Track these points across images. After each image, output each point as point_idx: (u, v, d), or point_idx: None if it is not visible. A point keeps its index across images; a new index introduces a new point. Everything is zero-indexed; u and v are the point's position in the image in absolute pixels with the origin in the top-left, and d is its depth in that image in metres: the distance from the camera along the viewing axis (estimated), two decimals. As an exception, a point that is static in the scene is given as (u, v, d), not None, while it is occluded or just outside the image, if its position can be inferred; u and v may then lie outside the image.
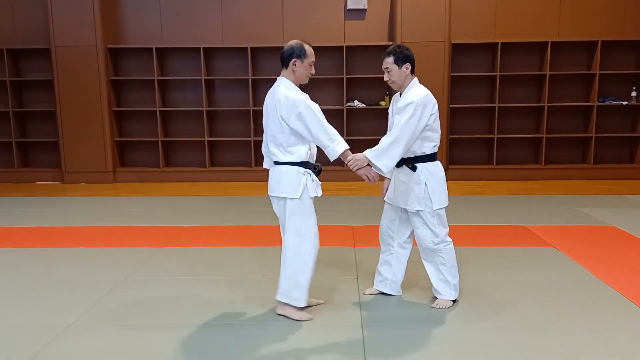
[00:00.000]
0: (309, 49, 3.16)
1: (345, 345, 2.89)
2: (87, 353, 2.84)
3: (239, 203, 6.69)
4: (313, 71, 3.24)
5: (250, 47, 7.99)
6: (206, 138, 8.25)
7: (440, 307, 3.37)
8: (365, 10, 8.04)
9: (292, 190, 3.10)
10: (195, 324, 3.18)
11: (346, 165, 3.21)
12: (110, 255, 4.52)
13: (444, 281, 3.39)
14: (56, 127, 8.12)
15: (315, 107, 3.05)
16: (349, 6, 7.99)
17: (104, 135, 8.08)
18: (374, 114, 8.25)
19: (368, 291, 3.63)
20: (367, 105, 8.17)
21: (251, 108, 8.14)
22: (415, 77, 3.33)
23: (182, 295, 3.64)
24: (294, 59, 3.13)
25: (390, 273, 3.53)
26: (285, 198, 3.12)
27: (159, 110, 8.20)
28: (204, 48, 8.01)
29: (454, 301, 3.43)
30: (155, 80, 8.09)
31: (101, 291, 3.69)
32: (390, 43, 7.91)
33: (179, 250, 4.66)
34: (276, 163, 3.17)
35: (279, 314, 3.26)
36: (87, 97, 7.96)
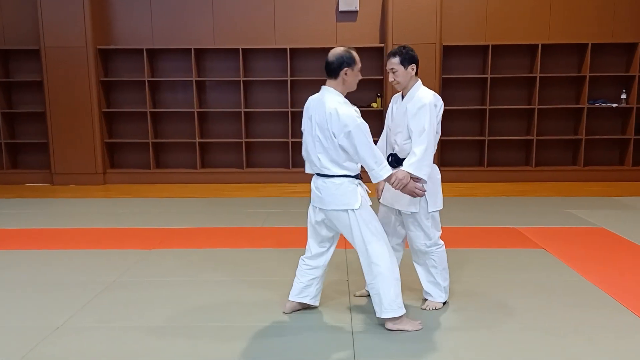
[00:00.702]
0: (356, 55, 3.09)
1: (335, 349, 2.88)
2: (77, 355, 2.81)
3: (230, 204, 6.67)
4: (360, 77, 3.15)
5: (242, 49, 7.98)
6: (197, 139, 8.22)
7: (430, 308, 3.38)
8: (356, 12, 8.05)
9: (351, 201, 3.00)
10: (184, 326, 3.16)
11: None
12: (100, 257, 4.49)
13: (435, 283, 3.40)
14: (46, 128, 8.06)
15: (365, 127, 2.95)
16: (341, 8, 8.00)
17: (94, 136, 8.03)
18: (365, 116, 8.21)
19: (359, 293, 3.63)
20: (358, 107, 8.12)
21: (242, 109, 8.12)
22: (419, 79, 3.33)
23: (172, 297, 3.62)
24: (345, 69, 3.03)
25: None
26: (347, 210, 3.01)
27: (150, 112, 8.16)
28: (195, 49, 7.98)
29: (444, 303, 3.43)
30: (146, 81, 8.05)
31: (91, 293, 3.66)
32: (382, 45, 7.92)
33: (169, 252, 4.64)
34: (327, 176, 3.04)
35: (389, 329, 3.07)
36: (77, 98, 7.91)
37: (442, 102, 3.30)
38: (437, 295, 3.40)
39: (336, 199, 3.03)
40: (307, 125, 3.11)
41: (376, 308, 3.08)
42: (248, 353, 2.83)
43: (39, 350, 2.86)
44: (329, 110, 2.96)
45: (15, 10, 8.08)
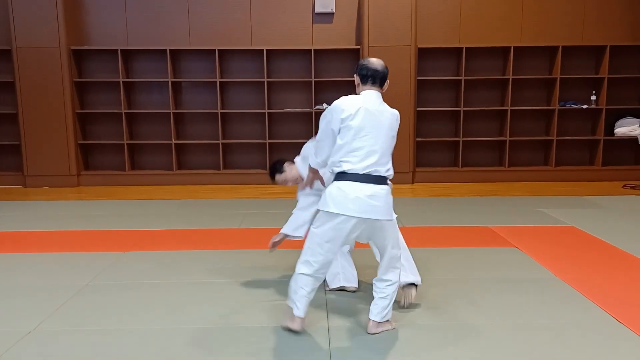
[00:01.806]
0: None
1: (312, 347, 2.91)
2: (48, 360, 2.79)
3: (207, 206, 6.64)
4: None
5: (218, 49, 7.95)
6: (173, 141, 8.17)
7: (411, 299, 3.38)
8: (332, 14, 8.09)
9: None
10: (159, 329, 3.15)
11: None
12: (73, 260, 4.43)
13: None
14: (18, 129, 7.92)
15: None
16: (317, 9, 8.03)
17: (68, 138, 7.92)
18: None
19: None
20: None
21: (219, 110, 8.10)
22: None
23: (146, 300, 3.60)
24: (387, 80, 3.04)
25: (339, 267, 3.69)
26: (391, 219, 2.97)
27: (125, 113, 8.08)
28: (170, 50, 7.93)
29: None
30: (121, 82, 7.97)
31: (63, 297, 3.62)
32: (358, 47, 7.98)
33: (144, 254, 4.60)
34: (383, 182, 2.91)
35: (375, 333, 3.04)
36: (50, 99, 7.79)
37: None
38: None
39: (389, 206, 2.92)
40: (368, 127, 2.85)
41: (377, 311, 3.01)
42: (222, 356, 2.84)
43: (10, 355, 2.82)
44: (393, 114, 3.02)
45: (-14, 10, 7.93)
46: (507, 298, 3.59)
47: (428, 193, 7.44)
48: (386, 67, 3.02)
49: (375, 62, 2.99)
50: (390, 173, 2.95)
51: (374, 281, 3.09)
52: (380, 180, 2.88)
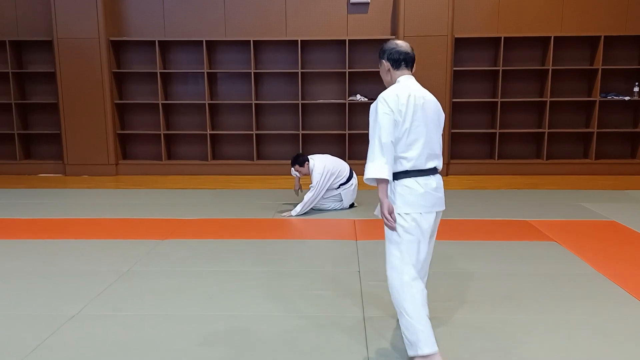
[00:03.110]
0: None
1: (347, 340, 2.91)
2: (92, 343, 2.86)
3: (241, 196, 6.71)
4: None
5: (253, 41, 7.98)
6: (208, 131, 8.26)
7: None
8: (368, 3, 8.02)
9: None
10: (196, 315, 3.20)
11: None
12: (113, 247, 4.54)
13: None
14: (59, 119, 8.13)
15: None
16: (352, 0, 7.98)
17: (106, 127, 8.09)
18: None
19: None
20: (369, 100, 8.16)
21: (253, 102, 8.14)
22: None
23: (184, 287, 3.66)
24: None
25: None
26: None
27: (162, 103, 8.20)
28: (206, 41, 8.00)
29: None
30: (158, 73, 8.09)
31: (105, 282, 3.71)
32: (393, 37, 7.90)
33: (181, 243, 4.68)
34: (436, 172, 2.74)
35: None
36: (89, 90, 7.96)
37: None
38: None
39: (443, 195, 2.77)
40: (420, 113, 2.63)
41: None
42: (259, 343, 2.87)
43: (55, 338, 2.91)
44: (435, 101, 2.75)
45: (29, 2, 8.13)
46: (547, 293, 3.52)
47: (463, 185, 7.34)
48: (412, 49, 2.81)
49: (403, 45, 2.76)
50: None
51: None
52: (434, 172, 2.72)
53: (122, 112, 8.45)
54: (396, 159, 2.64)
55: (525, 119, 8.28)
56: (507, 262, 4.16)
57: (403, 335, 2.62)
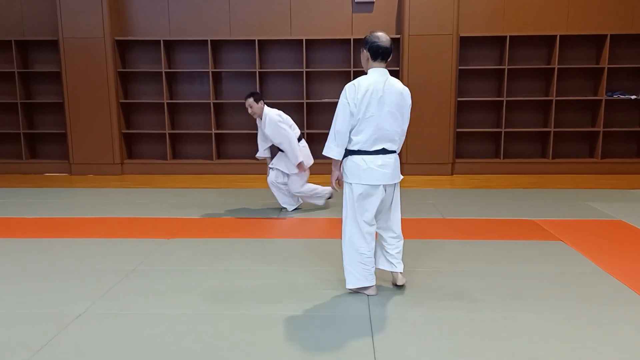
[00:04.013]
0: None
1: (353, 335, 2.91)
2: (98, 342, 2.87)
3: (246, 195, 6.71)
4: None
5: (258, 40, 7.99)
6: (213, 130, 8.27)
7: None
8: (373, 2, 8.01)
9: None
10: (202, 314, 3.21)
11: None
12: (118, 246, 4.55)
13: None
14: (64, 118, 8.15)
15: None
16: (357, -1, 7.98)
17: (112, 127, 8.11)
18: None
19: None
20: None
21: (258, 101, 8.13)
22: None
23: (190, 286, 3.66)
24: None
25: None
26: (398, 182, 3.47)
27: (167, 103, 8.21)
28: (211, 40, 8.01)
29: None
30: (163, 72, 8.10)
31: (110, 281, 3.72)
32: (398, 36, 7.89)
33: (186, 242, 4.69)
34: (393, 152, 3.36)
35: (404, 283, 3.52)
36: (94, 89, 7.98)
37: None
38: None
39: (398, 171, 3.42)
40: (375, 105, 3.23)
41: (399, 262, 3.53)
42: (263, 342, 2.87)
43: (63, 337, 2.92)
44: (401, 89, 3.32)
45: (34, 2, 8.16)
46: (553, 292, 3.51)
47: (468, 185, 7.32)
48: (392, 42, 3.35)
49: (384, 39, 3.29)
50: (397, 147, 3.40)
51: (385, 239, 3.52)
52: (390, 152, 3.34)
53: (127, 111, 8.46)
54: (349, 139, 3.31)
55: (530, 118, 8.25)
56: (513, 261, 4.14)
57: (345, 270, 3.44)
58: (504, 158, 8.14)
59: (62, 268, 4.03)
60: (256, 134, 8.26)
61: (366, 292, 3.44)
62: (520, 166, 8.11)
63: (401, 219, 3.57)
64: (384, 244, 3.54)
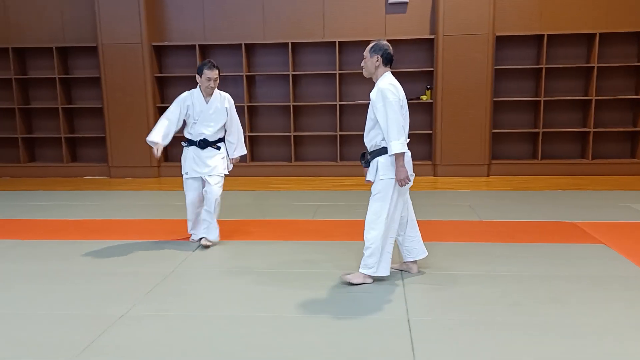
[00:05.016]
0: None
1: (392, 341, 2.89)
2: (139, 343, 2.92)
3: (279, 197, 6.75)
4: None
5: (291, 43, 8.03)
6: (247, 133, 8.33)
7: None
8: (406, 3, 7.96)
9: None
10: (239, 316, 3.23)
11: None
12: (157, 248, 4.63)
13: None
14: (103, 123, 8.35)
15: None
16: (390, 0, 7.93)
17: (149, 130, 8.17)
18: (414, 108, 8.17)
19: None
20: (407, 100, 8.07)
21: (291, 103, 8.18)
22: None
23: (227, 288, 3.70)
24: None
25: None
26: None
27: (202, 106, 8.31)
28: (245, 44, 8.09)
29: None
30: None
31: (150, 283, 3.78)
32: (432, 36, 7.82)
33: (224, 243, 4.74)
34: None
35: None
36: (132, 94, 8.15)
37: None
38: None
39: None
40: (405, 104, 3.62)
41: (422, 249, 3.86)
42: (301, 343, 2.87)
43: (105, 338, 2.98)
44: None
45: (74, 10, 8.39)
46: (595, 296, 3.42)
47: (505, 186, 7.20)
48: None
49: (390, 46, 3.66)
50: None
51: (407, 230, 3.78)
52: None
53: (164, 115, 8.59)
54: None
55: (569, 118, 8.06)
56: (553, 264, 4.05)
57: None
58: (541, 159, 7.97)
59: (102, 269, 4.12)
60: (289, 136, 8.37)
61: (369, 280, 3.67)
62: (558, 167, 7.93)
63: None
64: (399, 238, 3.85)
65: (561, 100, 7.93)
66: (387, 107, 3.43)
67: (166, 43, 8.29)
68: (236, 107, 8.24)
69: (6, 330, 3.10)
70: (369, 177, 3.69)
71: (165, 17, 8.37)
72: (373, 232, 3.57)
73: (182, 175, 4.80)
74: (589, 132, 7.84)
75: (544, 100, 7.82)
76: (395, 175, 3.50)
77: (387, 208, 3.54)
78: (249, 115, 8.40)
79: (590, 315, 3.15)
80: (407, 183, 3.51)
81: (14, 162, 8.72)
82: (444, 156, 7.89)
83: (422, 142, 8.13)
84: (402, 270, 3.90)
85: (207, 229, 4.65)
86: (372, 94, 3.57)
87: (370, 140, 3.66)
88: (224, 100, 4.72)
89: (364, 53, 3.66)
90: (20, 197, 6.99)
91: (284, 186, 7.54)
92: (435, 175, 8.00)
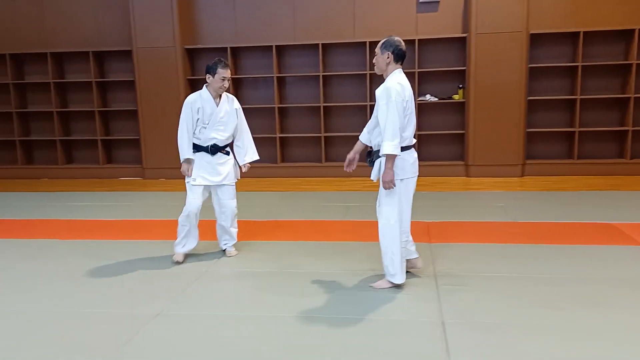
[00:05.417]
0: None
1: (427, 344, 2.86)
2: (175, 342, 2.96)
3: (310, 198, 6.76)
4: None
5: (322, 44, 8.03)
6: (277, 134, 8.38)
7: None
8: (438, 2, 7.88)
9: None
10: (272, 316, 3.25)
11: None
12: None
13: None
14: (137, 125, 8.50)
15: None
16: (421, -1, 7.88)
17: (182, 132, 8.35)
18: (446, 108, 8.10)
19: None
20: (439, 100, 8.02)
21: (322, 104, 8.19)
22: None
23: (260, 288, 3.72)
24: None
25: None
26: None
27: (233, 108, 8.38)
28: (276, 46, 8.13)
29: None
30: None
31: (184, 282, 3.84)
32: (464, 35, 7.72)
33: (254, 244, 4.77)
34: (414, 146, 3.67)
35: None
36: (166, 96, 8.28)
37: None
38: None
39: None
40: (411, 103, 3.53)
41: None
42: (335, 345, 2.86)
43: (143, 336, 3.03)
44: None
45: (110, 14, 8.56)
46: (634, 300, 3.32)
47: (540, 187, 7.06)
48: None
49: (403, 43, 3.59)
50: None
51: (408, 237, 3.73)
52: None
53: (196, 117, 8.70)
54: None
55: (606, 117, 7.86)
56: (590, 266, 3.95)
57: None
58: (577, 159, 7.79)
59: (137, 268, 4.19)
60: (319, 137, 8.38)
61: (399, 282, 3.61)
62: (595, 167, 7.73)
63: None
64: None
65: (598, 99, 7.73)
66: (389, 107, 3.37)
67: (198, 46, 8.39)
68: (267, 108, 8.42)
69: (48, 327, 3.18)
70: (372, 176, 3.66)
71: (197, 20, 8.48)
72: (386, 238, 3.54)
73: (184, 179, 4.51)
74: (627, 131, 7.63)
75: (580, 99, 7.64)
76: (382, 176, 3.46)
77: (395, 211, 3.50)
78: (280, 116, 8.44)
79: (632, 320, 3.05)
80: (392, 187, 3.44)
81: (53, 164, 8.95)
82: (477, 156, 7.78)
83: (454, 142, 8.04)
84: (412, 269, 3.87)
85: (230, 238, 4.49)
86: (378, 91, 3.51)
87: (375, 139, 3.64)
88: (232, 102, 4.39)
89: (376, 50, 3.59)
90: (59, 198, 7.17)
91: (314, 187, 7.54)
92: (467, 175, 7.89)
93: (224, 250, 4.51)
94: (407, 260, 3.78)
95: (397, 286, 3.59)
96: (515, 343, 2.82)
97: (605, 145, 7.94)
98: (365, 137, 3.84)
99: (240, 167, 4.54)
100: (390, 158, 3.40)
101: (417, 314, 3.23)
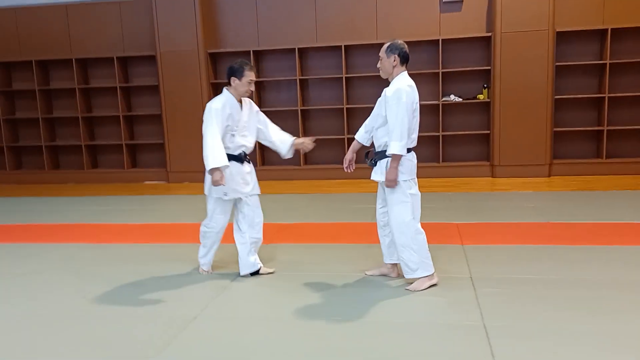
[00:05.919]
0: None
1: (471, 348, 2.82)
2: (214, 344, 2.96)
3: (335, 200, 6.75)
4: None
5: (344, 46, 8.02)
6: (301, 137, 8.34)
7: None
8: (461, 1, 7.82)
9: None
10: (310, 321, 3.23)
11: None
12: (221, 251, 4.66)
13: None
14: (162, 129, 8.56)
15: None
16: (444, -2, 7.83)
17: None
18: (470, 108, 8.02)
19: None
20: (463, 100, 7.95)
21: (345, 106, 8.17)
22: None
23: (294, 291, 3.71)
24: None
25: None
26: None
27: (256, 111, 8.40)
28: (298, 48, 8.13)
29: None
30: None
31: (220, 285, 3.84)
32: (489, 34, 7.65)
33: (282, 247, 4.76)
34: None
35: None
36: (189, 100, 8.32)
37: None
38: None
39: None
40: (418, 105, 3.60)
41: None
42: (376, 350, 2.84)
43: (183, 337, 3.04)
44: None
45: (134, 20, 8.64)
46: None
47: (567, 187, 6.96)
48: None
49: (406, 46, 3.66)
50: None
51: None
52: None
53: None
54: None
55: (635, 115, 7.72)
56: (623, 268, 3.86)
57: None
58: (606, 158, 7.67)
59: (174, 272, 4.20)
60: (342, 139, 8.35)
61: (432, 281, 3.63)
62: (624, 166, 7.60)
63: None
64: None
65: (626, 97, 7.60)
66: (400, 108, 3.43)
67: (221, 50, 8.42)
68: (290, 111, 8.41)
69: (87, 329, 3.20)
70: (375, 176, 3.67)
71: (220, 24, 8.52)
72: (405, 236, 3.55)
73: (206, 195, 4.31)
74: (657, 129, 7.50)
75: (608, 97, 7.52)
76: (386, 175, 3.52)
77: (409, 208, 3.53)
78: (302, 118, 8.44)
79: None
80: (394, 186, 3.50)
81: (79, 168, 9.05)
82: (503, 156, 7.70)
83: (478, 142, 7.96)
84: (382, 275, 3.87)
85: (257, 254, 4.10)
86: (389, 92, 3.53)
87: (380, 139, 3.66)
88: (251, 105, 4.13)
89: (380, 54, 3.66)
90: (86, 202, 7.24)
91: (338, 189, 7.52)
92: (493, 176, 7.81)
93: (258, 270, 4.04)
94: (384, 264, 3.86)
95: (434, 285, 3.60)
96: (560, 349, 2.76)
97: (635, 143, 7.80)
98: (362, 136, 3.87)
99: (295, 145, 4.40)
100: (397, 158, 3.47)
101: (459, 318, 3.17)
